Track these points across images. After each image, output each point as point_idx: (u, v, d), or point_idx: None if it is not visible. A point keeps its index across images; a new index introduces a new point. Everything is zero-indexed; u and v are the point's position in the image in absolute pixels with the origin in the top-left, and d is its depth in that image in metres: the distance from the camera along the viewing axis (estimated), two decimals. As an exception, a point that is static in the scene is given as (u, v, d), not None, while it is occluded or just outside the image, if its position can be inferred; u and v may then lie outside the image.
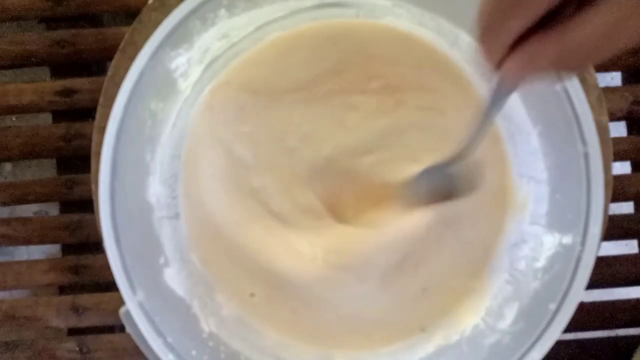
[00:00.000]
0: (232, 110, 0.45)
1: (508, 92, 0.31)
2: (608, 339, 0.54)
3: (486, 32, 0.27)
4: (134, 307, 0.37)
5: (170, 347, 0.38)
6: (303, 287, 0.45)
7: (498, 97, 0.31)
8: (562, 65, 0.26)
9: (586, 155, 0.38)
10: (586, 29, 0.24)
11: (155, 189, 0.42)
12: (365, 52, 0.45)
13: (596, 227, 0.38)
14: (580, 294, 0.38)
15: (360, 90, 0.45)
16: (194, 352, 0.39)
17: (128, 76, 0.37)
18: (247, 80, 0.45)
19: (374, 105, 0.45)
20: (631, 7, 0.23)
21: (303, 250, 0.45)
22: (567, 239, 0.40)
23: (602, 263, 0.54)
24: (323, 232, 0.45)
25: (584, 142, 0.38)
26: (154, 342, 0.37)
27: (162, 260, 0.42)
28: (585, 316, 0.53)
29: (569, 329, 0.40)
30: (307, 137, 0.45)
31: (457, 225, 0.45)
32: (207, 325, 0.42)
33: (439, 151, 0.39)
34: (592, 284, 0.41)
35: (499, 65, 0.27)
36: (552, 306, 0.38)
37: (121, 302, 0.39)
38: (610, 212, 0.47)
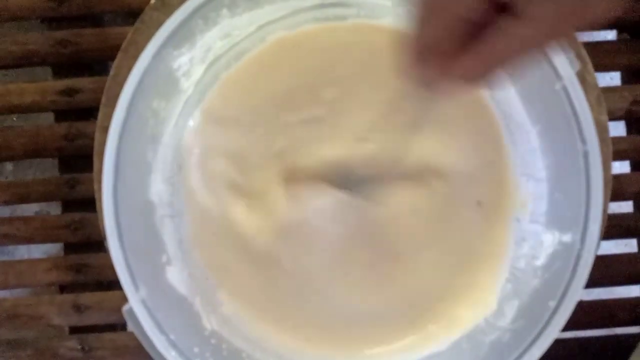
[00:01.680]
0: (231, 121, 0.45)
1: (434, 103, 0.32)
2: (608, 337, 0.54)
3: (410, 46, 0.28)
4: (137, 304, 0.38)
5: (173, 344, 0.38)
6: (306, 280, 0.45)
7: (424, 109, 0.33)
8: (482, 75, 0.27)
9: (585, 154, 0.38)
10: (502, 40, 0.26)
11: (158, 188, 0.43)
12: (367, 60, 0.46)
13: (595, 225, 0.38)
14: (580, 292, 0.38)
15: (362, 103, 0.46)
16: (196, 350, 0.40)
17: (131, 75, 0.38)
18: (246, 90, 0.45)
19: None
20: (549, 25, 0.25)
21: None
22: (566, 237, 0.40)
23: (601, 262, 0.54)
24: None
25: (583, 140, 0.38)
26: (157, 340, 0.38)
27: (164, 259, 0.42)
28: (585, 315, 0.53)
29: (568, 327, 0.40)
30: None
31: (457, 227, 0.46)
32: (209, 323, 0.43)
33: None
34: (592, 283, 0.41)
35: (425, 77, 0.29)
36: (552, 304, 0.39)
37: (123, 300, 0.39)
38: (610, 212, 0.47)
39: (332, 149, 0.44)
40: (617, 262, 0.54)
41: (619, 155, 0.55)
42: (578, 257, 0.39)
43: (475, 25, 0.26)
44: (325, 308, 0.45)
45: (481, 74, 0.27)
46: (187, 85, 0.43)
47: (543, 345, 0.38)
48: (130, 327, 0.38)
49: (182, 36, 0.40)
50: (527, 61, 0.26)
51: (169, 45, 0.39)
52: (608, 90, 0.55)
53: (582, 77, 0.45)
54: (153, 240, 0.42)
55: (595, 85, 0.46)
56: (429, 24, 0.27)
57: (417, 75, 0.29)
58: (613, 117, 0.54)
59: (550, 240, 0.41)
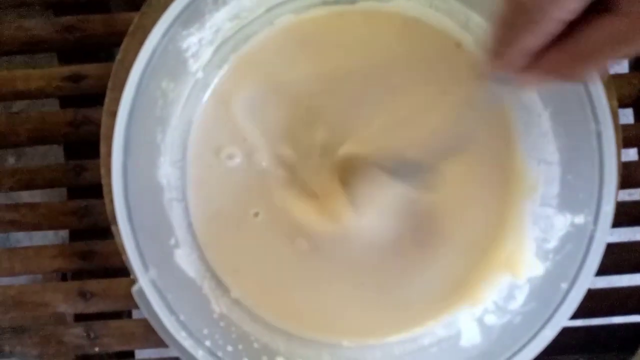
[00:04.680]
0: (242, 104, 0.45)
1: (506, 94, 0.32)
2: (616, 326, 0.53)
3: (501, 50, 0.29)
4: (147, 284, 0.37)
5: (183, 325, 0.38)
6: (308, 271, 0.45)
7: (495, 97, 0.34)
8: (574, 72, 0.28)
9: (599, 134, 0.38)
10: (595, 36, 0.27)
11: (166, 170, 0.42)
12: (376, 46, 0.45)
13: (609, 206, 0.38)
14: (593, 273, 0.38)
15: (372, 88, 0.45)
16: (205, 331, 0.39)
17: (141, 53, 0.37)
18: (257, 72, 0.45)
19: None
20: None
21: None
22: (579, 219, 0.39)
23: (610, 250, 0.53)
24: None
25: (596, 120, 0.38)
26: (167, 320, 0.37)
27: (172, 241, 0.42)
28: (593, 303, 0.53)
29: (577, 315, 0.40)
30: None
31: (467, 212, 0.45)
32: (218, 306, 0.42)
33: None
34: (600, 271, 0.41)
35: (515, 74, 0.30)
36: (565, 285, 0.38)
37: (129, 288, 0.39)
38: (618, 199, 0.47)
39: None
40: (626, 249, 0.54)
41: (627, 143, 0.54)
42: (591, 239, 0.38)
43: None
44: (339, 296, 0.45)
45: (572, 70, 0.28)
46: (196, 67, 0.43)
47: (556, 326, 0.38)
48: (140, 307, 0.38)
49: (191, 16, 0.39)
50: (618, 58, 0.27)
51: (178, 24, 0.38)
52: (616, 77, 0.55)
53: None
54: (161, 222, 0.41)
55: (606, 70, 0.46)
56: (526, 28, 0.27)
57: (501, 72, 0.30)
58: (621, 104, 0.54)
59: (562, 222, 0.41)
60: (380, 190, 0.44)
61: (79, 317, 0.54)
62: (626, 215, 0.54)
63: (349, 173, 0.45)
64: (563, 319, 0.38)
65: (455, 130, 0.38)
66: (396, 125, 0.45)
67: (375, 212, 0.44)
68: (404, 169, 0.42)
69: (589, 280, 0.38)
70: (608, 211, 0.38)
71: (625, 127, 0.54)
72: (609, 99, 0.44)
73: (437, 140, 0.40)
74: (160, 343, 0.47)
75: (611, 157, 0.37)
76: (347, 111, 0.45)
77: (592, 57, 0.27)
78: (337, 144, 0.45)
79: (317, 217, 0.45)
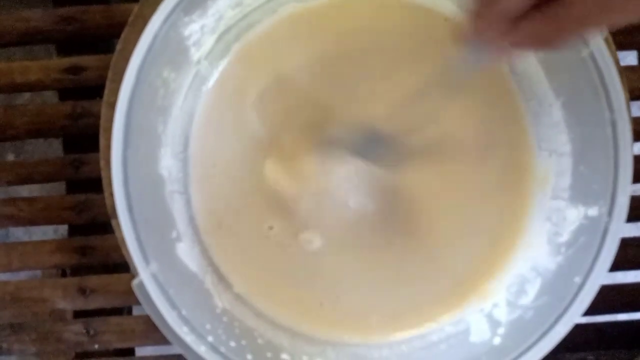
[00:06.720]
0: (243, 94, 0.44)
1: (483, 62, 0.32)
2: (624, 322, 0.53)
3: (483, 13, 0.29)
4: (148, 278, 0.36)
5: (185, 320, 0.37)
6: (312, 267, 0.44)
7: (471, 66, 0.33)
8: (556, 38, 0.28)
9: (613, 123, 0.37)
10: (582, 2, 0.26)
11: (167, 162, 0.41)
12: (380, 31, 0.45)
13: (624, 197, 0.37)
14: (608, 265, 0.37)
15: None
16: (208, 327, 0.38)
17: (142, 38, 0.36)
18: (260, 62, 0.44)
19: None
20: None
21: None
22: (592, 211, 0.39)
23: (620, 245, 0.52)
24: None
25: (611, 109, 0.37)
26: (168, 315, 0.36)
27: (174, 235, 0.41)
28: (603, 299, 0.52)
29: (587, 312, 0.39)
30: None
31: (476, 204, 0.44)
32: (221, 301, 0.41)
33: None
34: (611, 266, 0.40)
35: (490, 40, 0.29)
36: (578, 279, 0.37)
37: (129, 283, 0.38)
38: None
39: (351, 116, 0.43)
40: (636, 245, 0.53)
41: (636, 136, 0.53)
42: (605, 231, 0.37)
43: None
44: (344, 292, 0.44)
45: (554, 36, 0.28)
46: (198, 56, 0.42)
47: (569, 322, 0.37)
48: (141, 302, 0.37)
49: (193, 2, 0.38)
50: (603, 27, 0.27)
51: (180, 10, 0.37)
52: (625, 69, 0.54)
53: (604, 52, 0.43)
54: (163, 215, 0.40)
55: (617, 61, 0.45)
56: None
57: (479, 39, 0.29)
58: (630, 97, 0.53)
59: (574, 215, 0.40)
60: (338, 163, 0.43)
61: (78, 314, 0.53)
62: (634, 210, 0.53)
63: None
64: (576, 314, 0.37)
65: (423, 103, 0.37)
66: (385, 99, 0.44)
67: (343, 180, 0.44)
68: (365, 143, 0.42)
69: (604, 273, 0.37)
70: (623, 202, 0.37)
71: (634, 120, 0.53)
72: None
73: (404, 111, 0.39)
74: (160, 340, 0.47)
75: (627, 147, 0.37)
76: (348, 98, 0.44)
77: (578, 23, 0.27)
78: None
79: (285, 176, 0.44)
